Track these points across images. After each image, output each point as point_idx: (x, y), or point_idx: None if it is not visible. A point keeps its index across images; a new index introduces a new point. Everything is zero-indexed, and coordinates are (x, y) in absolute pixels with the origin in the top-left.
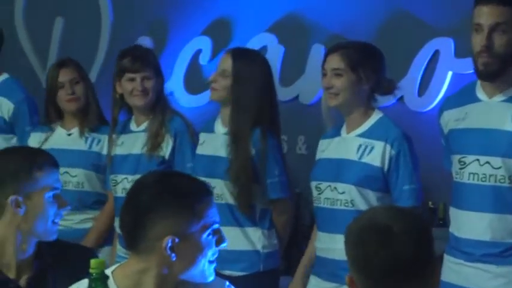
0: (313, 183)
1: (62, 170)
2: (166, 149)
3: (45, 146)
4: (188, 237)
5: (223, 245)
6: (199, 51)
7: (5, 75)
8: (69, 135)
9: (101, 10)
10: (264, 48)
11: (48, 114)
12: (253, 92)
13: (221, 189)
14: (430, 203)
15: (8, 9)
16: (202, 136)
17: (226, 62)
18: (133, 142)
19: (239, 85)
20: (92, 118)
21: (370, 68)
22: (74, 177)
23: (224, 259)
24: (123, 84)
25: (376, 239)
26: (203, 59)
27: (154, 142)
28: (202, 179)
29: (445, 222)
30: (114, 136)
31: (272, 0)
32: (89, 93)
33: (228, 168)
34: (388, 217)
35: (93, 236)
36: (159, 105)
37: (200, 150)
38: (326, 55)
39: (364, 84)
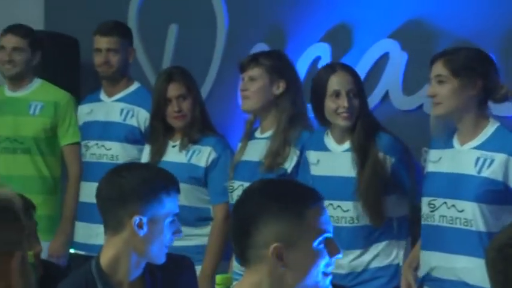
0: (426, 199)
1: None
2: (290, 163)
3: (157, 158)
4: (297, 245)
5: (338, 256)
6: (318, 59)
7: (136, 84)
8: (174, 147)
9: (216, 16)
10: (386, 55)
11: (154, 129)
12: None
13: (356, 211)
14: None
15: (121, 17)
16: (315, 155)
17: (347, 81)
18: (254, 149)
19: (363, 98)
20: (195, 132)
21: (477, 73)
22: None
23: (364, 279)
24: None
25: None
26: None
27: (273, 162)
28: (331, 202)
29: None
30: (241, 143)
31: (395, 5)
32: (196, 108)
33: (357, 188)
34: None
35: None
36: (280, 111)
37: (317, 171)
38: (431, 63)
39: (470, 91)
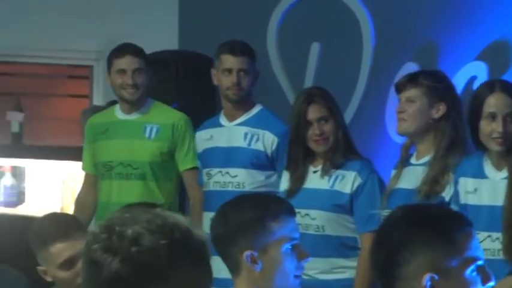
0: None
1: (303, 212)
2: (449, 191)
3: (298, 186)
4: (449, 274)
5: (489, 284)
6: (473, 79)
7: (258, 106)
8: (315, 172)
9: (362, 34)
10: None
11: (293, 154)
12: None
13: None
14: None
15: (260, 35)
16: (472, 182)
17: (505, 103)
18: (410, 176)
19: None
20: (338, 156)
21: None
22: (313, 220)
23: None
24: None
25: None
26: None
27: (430, 190)
28: (490, 233)
29: None
30: (395, 170)
31: None
32: (338, 130)
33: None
34: None
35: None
36: (440, 136)
37: (473, 199)
38: None
39: None
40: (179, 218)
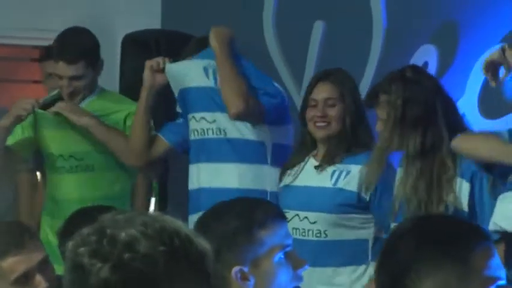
0: None
1: (301, 214)
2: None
3: (294, 183)
4: None
5: None
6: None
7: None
8: (316, 167)
9: (372, 14)
10: None
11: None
12: None
13: None
14: None
15: (253, 13)
16: None
17: None
18: None
19: None
20: (341, 148)
21: None
22: (313, 224)
23: None
24: None
25: None
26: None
27: None
28: None
29: None
30: None
31: None
32: (346, 118)
33: None
34: None
35: None
36: None
37: None
38: None
39: None
40: (179, 224)
